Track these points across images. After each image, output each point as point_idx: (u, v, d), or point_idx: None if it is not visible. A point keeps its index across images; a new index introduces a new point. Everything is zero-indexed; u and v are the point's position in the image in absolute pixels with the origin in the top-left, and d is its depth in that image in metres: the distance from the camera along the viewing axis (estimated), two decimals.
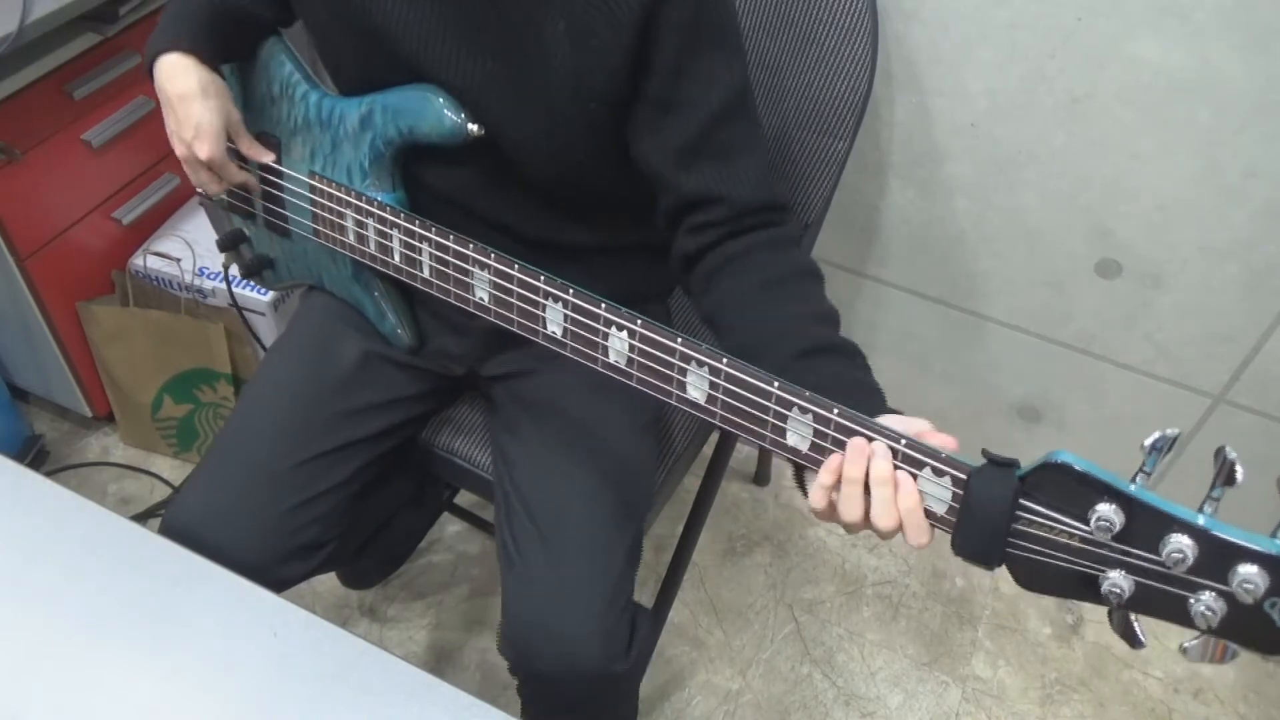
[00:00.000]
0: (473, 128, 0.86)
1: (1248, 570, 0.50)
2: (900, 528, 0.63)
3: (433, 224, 0.85)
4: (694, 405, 0.73)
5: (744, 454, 1.76)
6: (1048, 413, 1.51)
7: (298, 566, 0.97)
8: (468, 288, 0.85)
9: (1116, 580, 0.55)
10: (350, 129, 0.92)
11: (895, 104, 1.28)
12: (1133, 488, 0.54)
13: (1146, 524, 0.53)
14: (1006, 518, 0.58)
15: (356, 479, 1.01)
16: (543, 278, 0.78)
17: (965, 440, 0.64)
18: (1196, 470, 1.46)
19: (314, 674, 0.69)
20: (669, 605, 1.35)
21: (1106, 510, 0.54)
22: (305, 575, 0.99)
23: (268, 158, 0.98)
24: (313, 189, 0.96)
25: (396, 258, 0.90)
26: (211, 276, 1.52)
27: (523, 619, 0.92)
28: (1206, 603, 0.52)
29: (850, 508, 0.64)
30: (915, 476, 0.62)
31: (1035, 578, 0.59)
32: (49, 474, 1.34)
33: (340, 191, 0.92)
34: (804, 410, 0.66)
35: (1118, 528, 0.54)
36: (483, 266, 0.82)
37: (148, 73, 0.93)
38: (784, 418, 0.68)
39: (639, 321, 0.73)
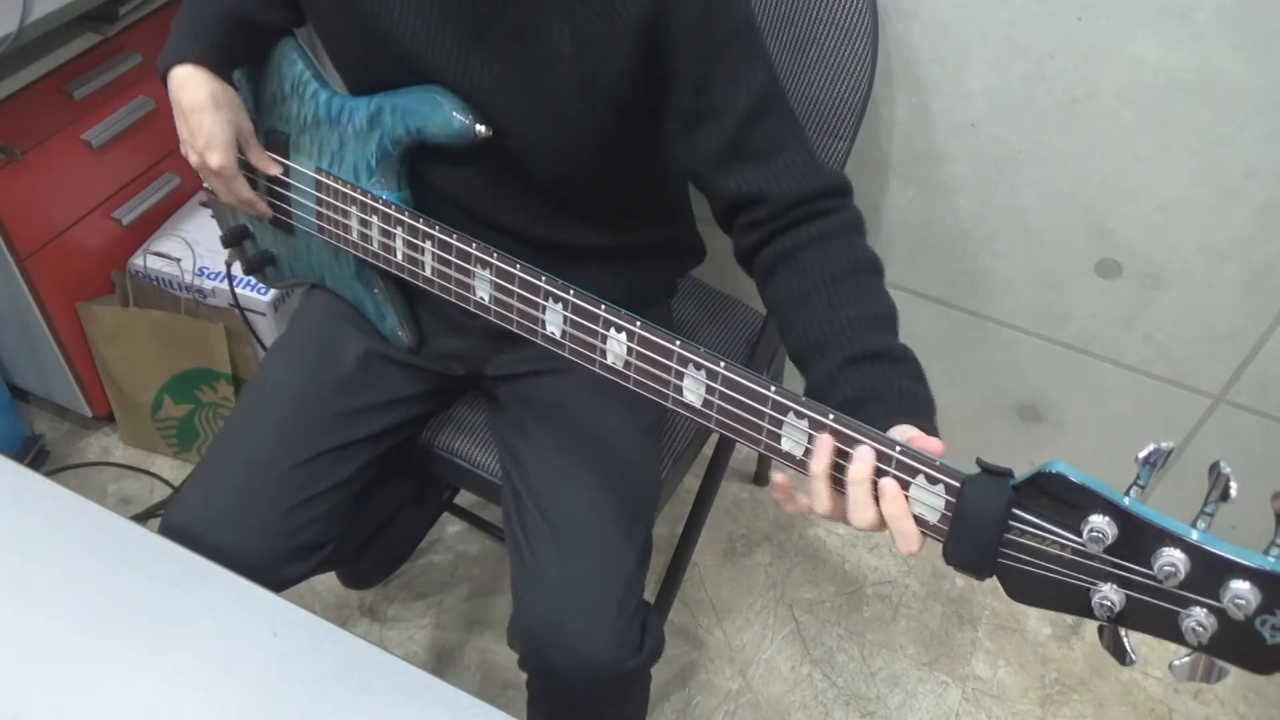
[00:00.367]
0: (480, 129, 0.86)
1: (1239, 586, 0.50)
2: (881, 526, 0.64)
3: (436, 222, 0.86)
4: (689, 408, 0.73)
5: (744, 454, 1.76)
6: (1048, 413, 1.51)
7: (298, 566, 0.97)
8: (469, 287, 0.85)
9: (1108, 594, 0.55)
10: (358, 128, 0.92)
11: (895, 104, 1.28)
12: (1126, 501, 0.53)
13: (1139, 537, 0.53)
14: (999, 527, 0.58)
15: (357, 479, 1.01)
16: (544, 278, 0.78)
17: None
18: (1195, 472, 1.46)
19: (314, 674, 0.69)
20: (669, 605, 1.36)
21: (1099, 522, 0.53)
22: (305, 575, 0.99)
23: (275, 170, 0.99)
24: (318, 185, 0.96)
25: (399, 255, 0.90)
26: (211, 276, 1.52)
27: (536, 615, 0.92)
28: (1197, 618, 0.52)
29: (819, 501, 0.66)
30: (908, 484, 0.62)
31: (1026, 589, 0.59)
32: (49, 474, 1.34)
33: (345, 188, 0.93)
34: (799, 415, 0.66)
35: (1110, 540, 0.53)
36: (485, 265, 0.82)
37: (161, 83, 0.93)
38: (779, 423, 0.68)
39: (638, 323, 0.73)
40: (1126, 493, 0.54)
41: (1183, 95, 1.12)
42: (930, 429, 0.68)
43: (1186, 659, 0.54)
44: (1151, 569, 0.52)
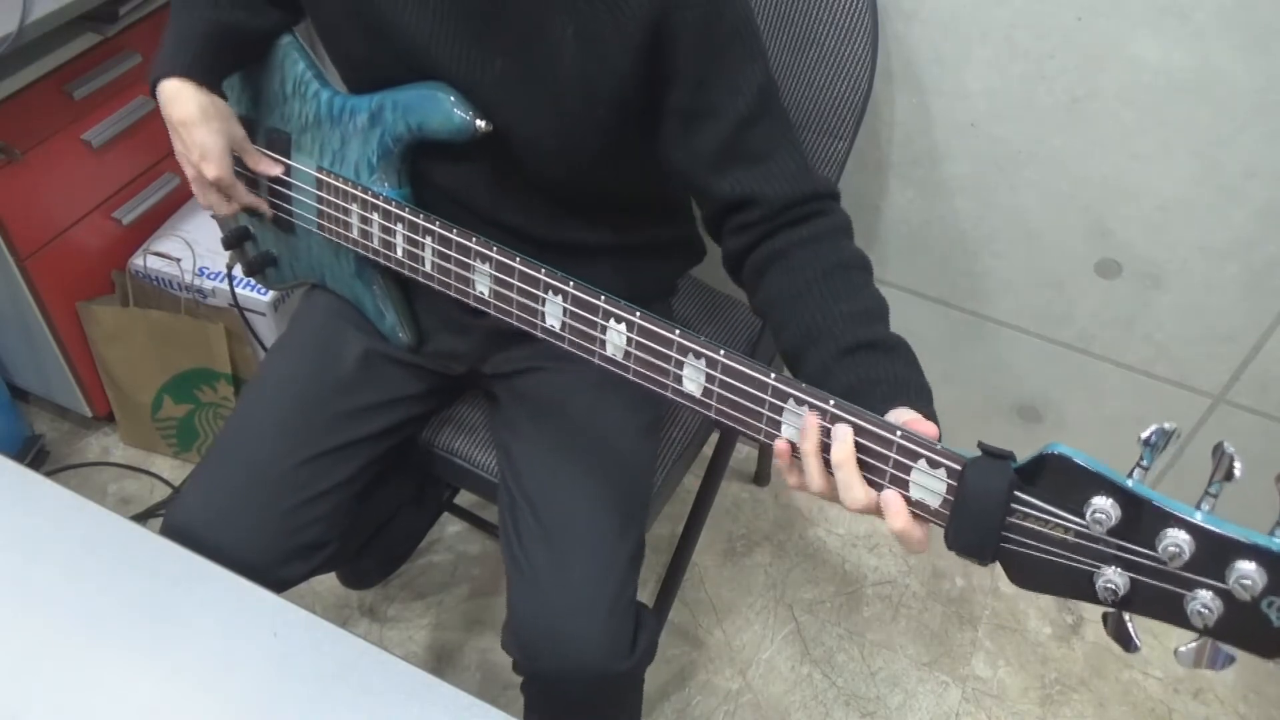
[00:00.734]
0: (481, 124, 0.87)
1: (1245, 567, 0.49)
2: (873, 507, 0.64)
3: (436, 217, 0.86)
4: (690, 398, 0.73)
5: (744, 454, 1.76)
6: (1048, 413, 1.51)
7: (298, 566, 0.97)
8: (468, 281, 0.86)
9: (1111, 577, 0.54)
10: (360, 125, 0.92)
11: (895, 104, 1.28)
12: (1130, 482, 0.53)
13: (1143, 519, 0.52)
14: (1001, 510, 0.57)
15: (357, 479, 1.01)
16: (544, 270, 0.79)
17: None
18: (1196, 471, 1.46)
19: (314, 674, 0.69)
20: (669, 605, 1.36)
21: (1103, 504, 0.53)
22: (306, 575, 0.99)
23: (275, 170, 0.99)
24: (319, 184, 0.96)
25: (399, 252, 0.91)
26: (211, 276, 1.52)
27: (528, 619, 0.93)
28: (1203, 601, 0.51)
29: (811, 480, 0.66)
30: (909, 468, 0.62)
31: (1030, 574, 0.58)
32: (49, 474, 1.34)
33: (346, 185, 0.93)
34: (799, 402, 0.66)
35: (1114, 522, 0.53)
36: (485, 259, 0.83)
37: (152, 95, 0.93)
38: (779, 410, 0.68)
39: (638, 313, 0.74)
40: (1129, 475, 0.53)
41: (1183, 95, 1.12)
42: (929, 414, 0.68)
43: (1192, 644, 0.53)
44: (1155, 550, 0.52)
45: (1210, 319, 1.29)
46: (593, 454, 0.99)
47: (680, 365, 0.72)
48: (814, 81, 1.13)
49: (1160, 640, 1.52)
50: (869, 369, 0.73)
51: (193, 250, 1.54)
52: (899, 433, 0.62)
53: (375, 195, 0.90)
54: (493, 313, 0.85)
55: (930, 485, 0.61)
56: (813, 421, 0.65)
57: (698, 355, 0.71)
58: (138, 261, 1.54)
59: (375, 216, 0.91)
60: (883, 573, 1.60)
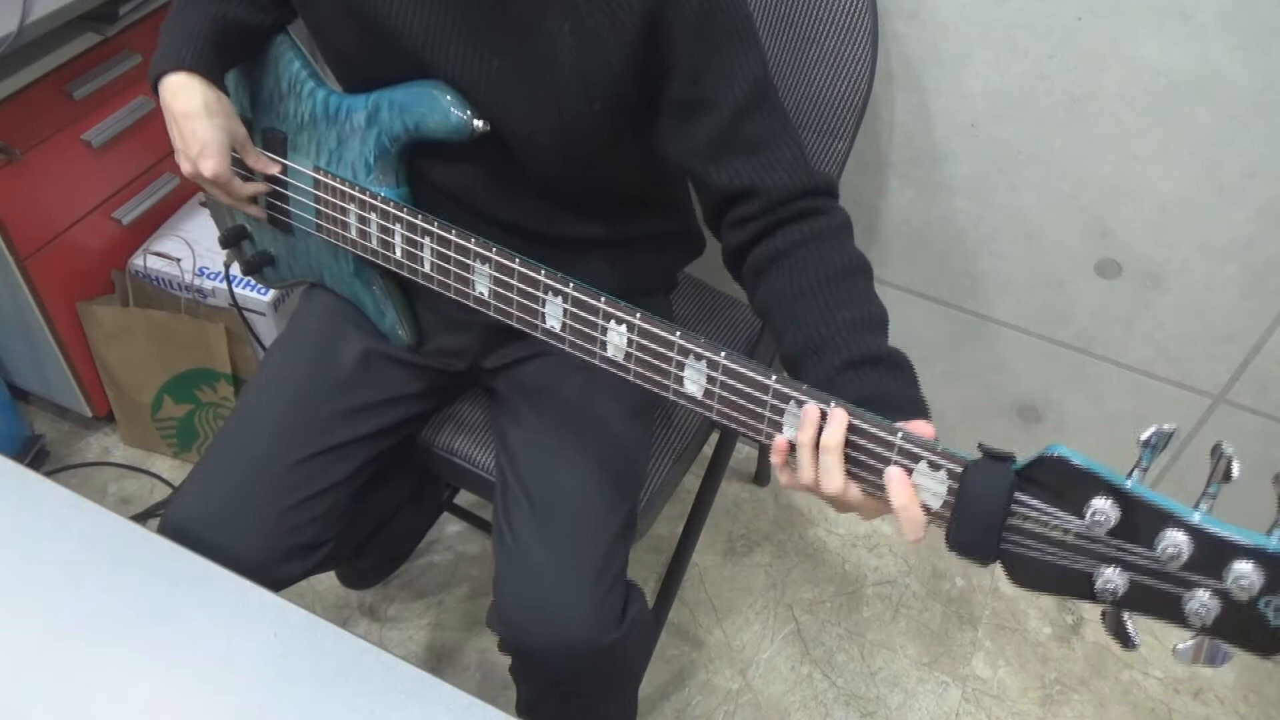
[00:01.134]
0: (478, 124, 0.87)
1: (1242, 567, 0.50)
2: (846, 497, 0.65)
3: (435, 218, 0.86)
4: (691, 399, 0.73)
5: (744, 454, 1.76)
6: (1048, 413, 1.51)
7: (297, 565, 0.97)
8: (468, 282, 0.85)
9: (1110, 577, 0.55)
10: (357, 125, 0.92)
11: (895, 104, 1.28)
12: (1129, 483, 0.53)
13: (1142, 519, 0.53)
14: (1002, 511, 0.58)
15: (356, 478, 1.01)
16: (543, 271, 0.79)
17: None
18: (1196, 471, 1.46)
19: (314, 674, 0.69)
20: (669, 605, 1.36)
21: (1102, 505, 0.53)
22: (304, 574, 0.99)
23: (274, 169, 0.99)
24: (317, 184, 0.96)
25: (398, 252, 0.91)
26: (211, 276, 1.52)
27: (512, 594, 0.92)
28: (1201, 600, 0.52)
29: (804, 472, 0.67)
30: (910, 470, 0.62)
31: (1029, 574, 0.59)
32: (49, 474, 1.34)
33: (344, 186, 0.93)
34: (800, 404, 0.66)
35: (1113, 523, 0.53)
36: (484, 260, 0.83)
37: (153, 91, 0.93)
38: (780, 411, 0.68)
39: (638, 315, 0.74)
40: (1128, 476, 0.54)
41: (1183, 95, 1.12)
42: None
43: (1190, 642, 0.54)
44: (1154, 551, 0.52)
45: (1210, 319, 1.29)
46: (583, 433, 0.99)
47: (681, 366, 0.72)
48: (814, 81, 1.13)
49: (1160, 640, 1.52)
50: (874, 386, 0.73)
51: (193, 250, 1.54)
52: (900, 434, 0.62)
53: (373, 195, 0.90)
54: (492, 314, 0.85)
55: (931, 487, 0.62)
56: (812, 413, 0.66)
57: (698, 357, 0.71)
58: (138, 261, 1.54)
59: (373, 217, 0.91)
60: (883, 573, 1.60)
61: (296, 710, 0.67)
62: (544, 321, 0.81)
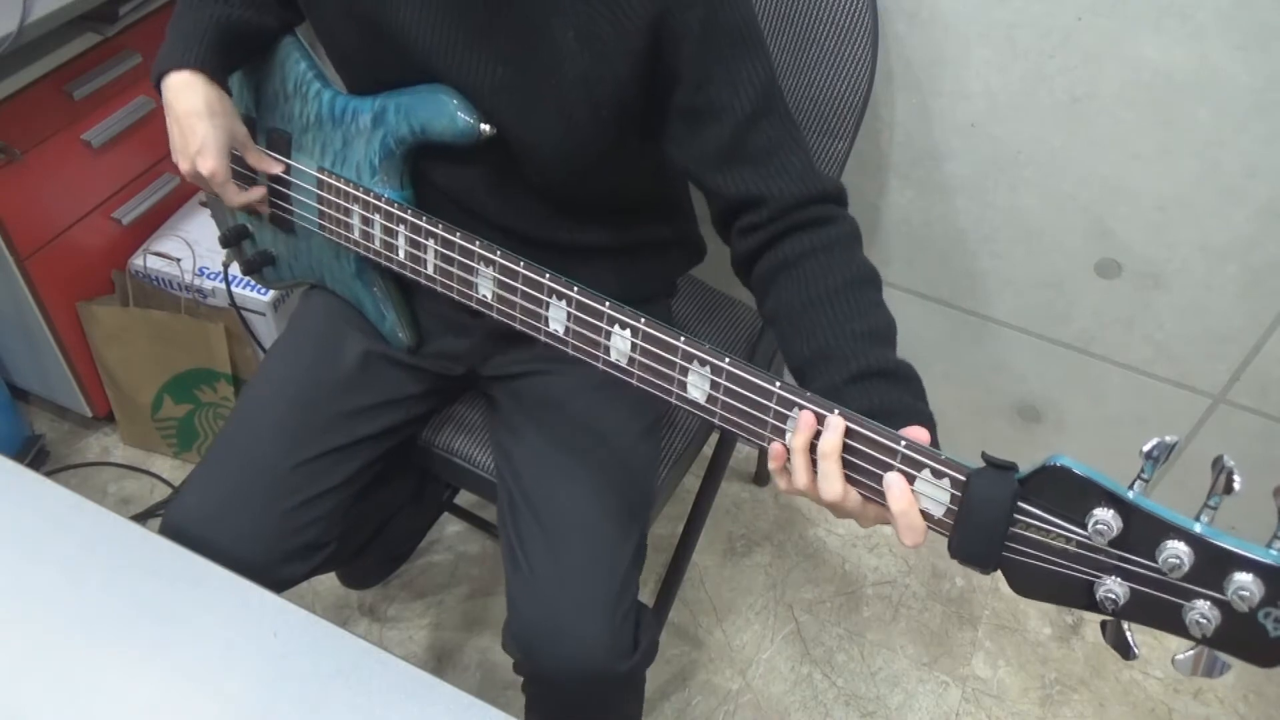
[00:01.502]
0: (485, 128, 0.87)
1: (1243, 578, 0.50)
2: (844, 504, 0.65)
3: (439, 220, 0.86)
4: (694, 405, 0.73)
5: (744, 454, 1.76)
6: (1048, 413, 1.51)
7: (298, 566, 0.97)
8: (471, 285, 0.85)
9: (1112, 587, 0.55)
10: (362, 126, 0.92)
11: (895, 104, 1.28)
12: (1131, 494, 0.54)
13: (1144, 530, 0.53)
14: (1005, 520, 0.58)
15: (357, 479, 1.01)
16: (548, 274, 0.78)
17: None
18: (1194, 472, 1.46)
19: (314, 674, 0.69)
20: (669, 605, 1.36)
21: (1104, 515, 0.54)
22: (305, 575, 0.99)
23: (276, 168, 0.98)
24: (320, 184, 0.96)
25: (401, 254, 0.90)
26: (211, 276, 1.52)
27: (528, 619, 0.92)
28: (1201, 611, 0.52)
29: (797, 477, 0.67)
30: (913, 478, 0.62)
31: (1031, 583, 0.59)
32: (49, 474, 1.34)
33: (348, 187, 0.93)
34: (804, 410, 0.66)
35: (1115, 533, 0.54)
36: (488, 263, 0.82)
37: (155, 88, 0.93)
38: (784, 418, 0.68)
39: (642, 320, 0.73)
40: (1130, 486, 0.54)
41: (1183, 95, 1.12)
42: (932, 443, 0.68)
43: (1189, 653, 0.54)
44: (1155, 561, 0.53)
45: (1210, 319, 1.29)
46: (593, 455, 0.99)
47: (685, 372, 0.72)
48: (814, 81, 1.13)
49: (1160, 640, 1.52)
50: (882, 398, 0.73)
51: (193, 250, 1.54)
52: (903, 443, 0.62)
53: (377, 197, 0.90)
54: (496, 316, 0.85)
55: (934, 495, 0.62)
56: (808, 419, 0.66)
57: (703, 362, 0.71)
58: (138, 261, 1.54)
59: (377, 218, 0.91)
60: (883, 573, 1.60)
61: (296, 710, 0.67)
62: (547, 325, 0.80)
